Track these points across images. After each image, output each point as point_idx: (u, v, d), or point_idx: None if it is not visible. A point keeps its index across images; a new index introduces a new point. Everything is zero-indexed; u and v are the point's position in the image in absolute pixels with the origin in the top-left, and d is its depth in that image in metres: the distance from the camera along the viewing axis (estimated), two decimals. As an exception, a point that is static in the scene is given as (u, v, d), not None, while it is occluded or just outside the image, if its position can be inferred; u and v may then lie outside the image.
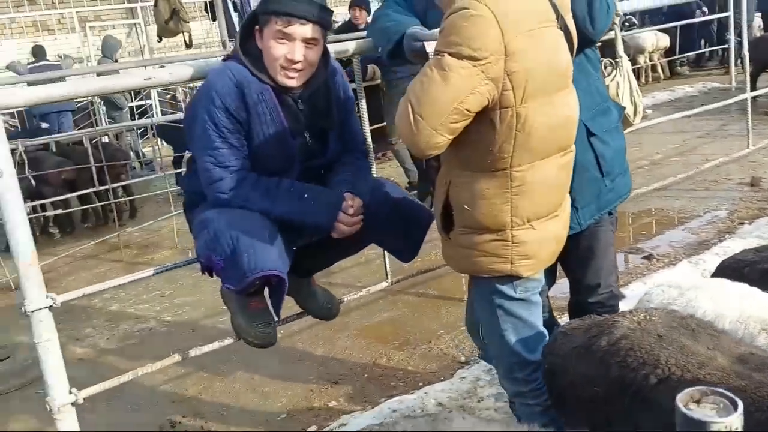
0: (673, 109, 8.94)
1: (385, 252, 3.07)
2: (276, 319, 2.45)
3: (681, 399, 0.83)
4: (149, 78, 2.35)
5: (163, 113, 11.04)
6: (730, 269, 2.36)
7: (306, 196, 2.24)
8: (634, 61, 12.05)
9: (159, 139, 9.30)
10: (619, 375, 1.63)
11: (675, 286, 2.00)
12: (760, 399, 1.39)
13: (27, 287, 2.24)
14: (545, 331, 2.14)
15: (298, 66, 2.17)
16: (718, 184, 5.88)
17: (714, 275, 2.38)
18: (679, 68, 12.58)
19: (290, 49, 2.15)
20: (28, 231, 2.23)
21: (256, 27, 2.23)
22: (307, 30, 2.15)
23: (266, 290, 2.47)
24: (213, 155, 2.19)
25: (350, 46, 2.73)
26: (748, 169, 5.99)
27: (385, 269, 3.12)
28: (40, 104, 2.27)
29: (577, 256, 2.46)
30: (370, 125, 3.10)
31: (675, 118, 5.67)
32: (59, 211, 6.98)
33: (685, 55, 12.45)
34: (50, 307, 2.29)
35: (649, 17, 12.79)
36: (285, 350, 4.01)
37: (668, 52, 12.12)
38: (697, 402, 0.82)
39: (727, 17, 10.32)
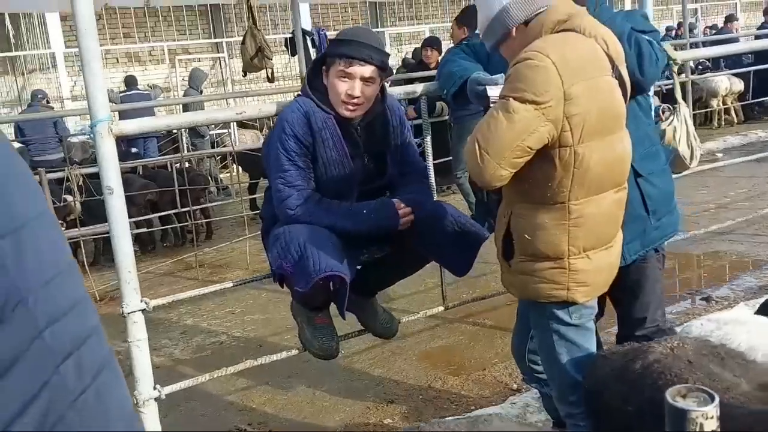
0: (744, 154, 8.86)
1: (443, 278, 3.29)
2: (343, 318, 2.68)
3: (669, 393, 1.01)
4: (241, 113, 2.68)
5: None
6: None
7: (364, 211, 2.56)
8: (707, 105, 11.92)
9: (236, 165, 9.83)
10: (650, 396, 1.77)
11: (714, 320, 2.13)
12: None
13: (126, 292, 2.56)
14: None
15: (357, 101, 2.51)
16: (784, 230, 5.83)
17: (758, 312, 2.48)
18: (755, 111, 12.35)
19: (351, 86, 2.48)
20: (130, 242, 2.56)
21: (323, 67, 2.58)
22: (365, 70, 2.48)
23: (331, 306, 2.74)
24: (283, 176, 2.51)
25: (418, 88, 3.01)
26: (817, 216, 5.92)
27: (443, 294, 3.31)
28: (151, 132, 2.61)
29: (625, 291, 2.61)
30: (437, 159, 3.34)
31: (741, 162, 5.67)
32: (143, 230, 7.48)
33: (761, 99, 12.23)
34: (143, 310, 2.60)
35: (725, 61, 12.64)
36: (344, 370, 4.24)
37: (742, 96, 11.92)
38: (684, 396, 1.00)
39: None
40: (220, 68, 14.35)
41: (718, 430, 0.97)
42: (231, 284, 3.09)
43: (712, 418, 0.96)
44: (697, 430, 0.96)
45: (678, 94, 3.67)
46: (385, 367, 4.22)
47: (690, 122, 3.63)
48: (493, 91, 2.46)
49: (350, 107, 2.53)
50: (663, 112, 3.74)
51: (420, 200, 2.68)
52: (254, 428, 3.69)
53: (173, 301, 5.91)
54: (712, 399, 0.97)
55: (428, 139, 3.19)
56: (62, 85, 12.61)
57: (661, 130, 3.55)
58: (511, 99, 2.00)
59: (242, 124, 11.10)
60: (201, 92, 10.57)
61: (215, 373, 2.86)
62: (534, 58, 1.99)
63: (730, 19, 14.50)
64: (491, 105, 2.46)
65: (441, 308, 3.32)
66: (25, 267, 0.63)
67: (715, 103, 11.86)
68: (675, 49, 3.78)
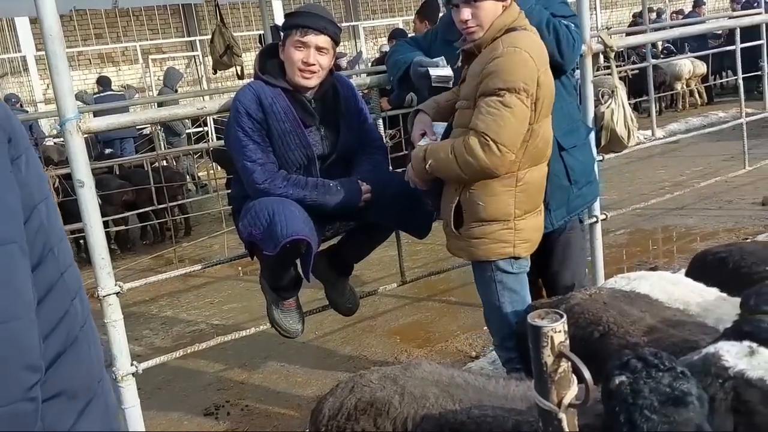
0: (703, 135, 9.17)
1: (401, 255, 3.54)
2: (307, 281, 2.85)
3: (530, 316, 1.25)
4: (202, 108, 2.89)
5: (219, 139, 11.77)
6: (700, 258, 2.78)
7: (331, 184, 2.75)
8: (671, 88, 12.25)
9: (213, 163, 10.00)
10: (572, 334, 2.03)
11: (625, 277, 2.41)
12: (671, 345, 1.79)
13: (101, 276, 2.76)
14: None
15: (313, 68, 2.68)
16: (732, 204, 6.15)
17: (690, 264, 2.78)
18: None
19: (306, 54, 2.67)
20: (102, 232, 2.76)
21: (280, 44, 2.76)
22: (320, 40, 2.68)
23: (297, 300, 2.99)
24: (244, 153, 2.68)
25: (368, 80, 3.24)
26: (764, 190, 6.25)
27: (401, 270, 3.55)
28: (117, 129, 2.82)
29: (555, 259, 2.91)
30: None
31: (698, 142, 5.94)
32: (121, 228, 7.65)
33: (723, 80, 12.59)
34: (118, 293, 2.81)
35: (689, 44, 12.94)
36: (317, 348, 4.49)
37: (705, 78, 12.25)
38: (542, 318, 1.25)
39: (761, 45, 10.52)
40: (195, 66, 14.46)
41: (566, 342, 1.22)
42: (200, 267, 3.30)
43: (560, 332, 1.21)
44: (549, 341, 1.21)
45: (615, 79, 3.92)
46: (356, 344, 4.47)
47: (627, 105, 3.90)
48: (435, 72, 2.74)
49: (306, 75, 2.65)
50: (602, 96, 4.01)
51: (379, 175, 2.89)
52: (231, 404, 3.92)
53: (154, 296, 6.10)
54: (561, 317, 1.21)
55: (380, 121, 3.43)
56: (34, 88, 12.65)
57: (600, 112, 3.83)
58: (505, 94, 2.30)
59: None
60: (176, 91, 10.71)
61: (188, 349, 3.07)
62: (515, 53, 2.32)
63: (697, 3, 14.87)
64: (434, 84, 2.74)
65: (396, 284, 3.56)
66: (53, 226, 0.98)
67: (679, 86, 12.19)
68: (611, 37, 4.03)
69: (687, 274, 2.82)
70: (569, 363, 1.22)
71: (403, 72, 2.92)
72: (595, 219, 3.75)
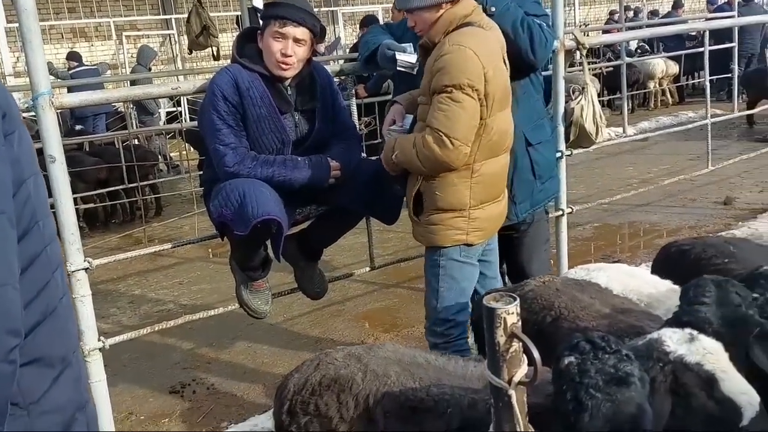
0: (671, 134, 9.37)
1: (371, 241, 3.60)
2: (278, 261, 2.90)
3: (485, 299, 1.32)
4: (176, 88, 2.90)
5: (192, 119, 11.67)
6: (665, 250, 2.90)
7: (299, 159, 2.78)
8: (644, 86, 12.47)
9: (186, 143, 9.92)
10: (525, 317, 2.11)
11: (584, 268, 2.51)
12: (618, 330, 1.88)
13: (70, 252, 2.77)
14: (468, 301, 2.66)
15: (291, 60, 2.71)
16: (696, 202, 6.34)
17: (656, 255, 2.90)
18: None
19: (284, 45, 2.69)
20: (72, 208, 2.77)
21: (259, 32, 2.78)
22: (298, 31, 2.70)
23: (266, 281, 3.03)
24: (217, 136, 2.70)
25: (340, 66, 3.28)
26: (726, 189, 6.45)
27: (370, 256, 3.62)
28: (90, 106, 2.82)
29: (521, 250, 3.01)
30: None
31: (667, 141, 6.08)
32: (90, 205, 7.58)
33: (694, 81, 12.84)
34: (86, 269, 2.83)
35: (665, 44, 13.15)
36: (285, 331, 4.54)
37: (677, 78, 12.49)
38: (497, 300, 1.32)
39: (732, 48, 10.76)
40: (170, 45, 14.27)
41: (518, 323, 1.29)
42: (170, 246, 3.33)
43: (512, 313, 1.28)
44: (502, 322, 1.28)
45: (587, 76, 4.02)
46: (324, 327, 4.53)
47: (596, 102, 4.00)
48: (401, 56, 2.82)
49: (283, 66, 2.72)
50: (573, 92, 4.10)
51: (349, 157, 2.92)
52: (197, 383, 3.96)
53: (123, 275, 6.06)
54: (514, 300, 1.28)
55: (354, 117, 3.48)
56: (4, 61, 12.38)
57: (570, 108, 3.92)
58: (453, 90, 2.39)
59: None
60: (150, 69, 10.57)
61: (156, 326, 3.10)
62: (459, 50, 2.40)
63: (677, 4, 15.15)
64: (398, 68, 2.81)
65: (368, 268, 3.62)
66: (39, 200, 1.03)
67: (652, 85, 12.41)
68: (584, 35, 4.12)
69: (653, 265, 2.95)
70: (520, 343, 1.29)
71: (371, 53, 3.02)
72: (561, 212, 3.86)
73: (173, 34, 14.12)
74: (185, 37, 10.92)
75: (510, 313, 1.28)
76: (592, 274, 2.37)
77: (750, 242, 2.80)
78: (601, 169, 7.87)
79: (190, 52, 8.99)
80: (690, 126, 5.66)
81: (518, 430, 1.32)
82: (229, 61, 2.88)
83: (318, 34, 2.83)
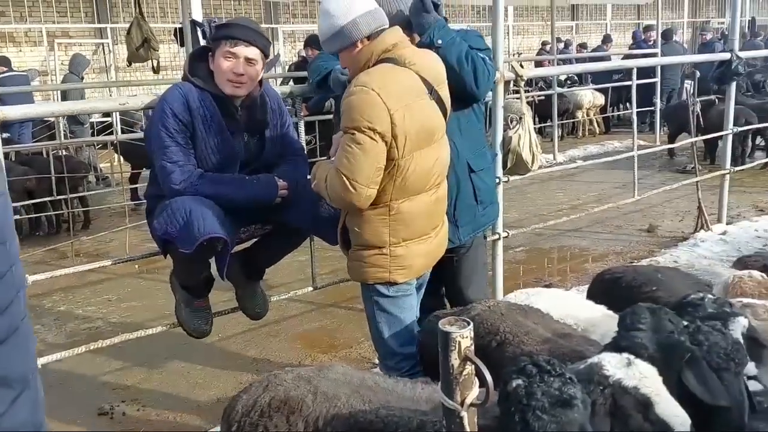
0: (601, 162, 9.82)
1: (313, 261, 3.61)
2: (222, 279, 2.90)
3: (441, 323, 1.37)
4: (124, 103, 2.86)
5: (125, 131, 11.37)
6: (599, 277, 3.06)
7: (246, 178, 2.80)
8: (573, 116, 13.02)
9: (119, 155, 9.65)
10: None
11: (524, 292, 2.61)
12: (560, 355, 1.97)
13: None
14: (414, 330, 2.69)
15: (242, 79, 2.73)
16: (621, 229, 6.65)
17: (591, 281, 3.05)
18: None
19: (235, 64, 2.72)
20: None
21: (210, 53, 2.79)
22: (249, 51, 2.73)
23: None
24: (165, 153, 2.68)
25: (290, 89, 3.32)
26: (650, 217, 6.81)
27: (312, 275, 3.63)
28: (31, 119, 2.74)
29: (461, 273, 3.09)
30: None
31: (594, 169, 6.34)
32: (15, 217, 7.25)
33: (621, 112, 13.49)
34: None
35: (592, 76, 13.77)
36: (221, 350, 4.46)
37: (603, 109, 13.10)
38: (452, 324, 1.37)
39: (655, 83, 11.43)
40: (104, 55, 13.89)
41: (472, 347, 1.34)
42: (110, 262, 3.25)
43: (466, 337, 1.33)
44: (456, 346, 1.33)
45: (524, 106, 4.18)
46: (260, 348, 4.48)
47: (533, 131, 4.17)
48: None
49: (236, 85, 2.74)
50: (511, 121, 4.26)
51: (296, 176, 2.95)
52: (127, 404, 3.84)
53: (48, 290, 5.81)
54: (469, 324, 1.34)
55: (302, 135, 3.51)
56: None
57: (508, 137, 4.07)
58: (355, 132, 2.37)
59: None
60: (82, 78, 10.26)
61: (90, 345, 3.01)
62: (362, 92, 2.37)
63: (606, 39, 15.89)
64: None
65: (310, 288, 3.63)
66: (6, 221, 1.02)
67: (580, 114, 12.97)
68: (522, 67, 4.29)
69: (588, 290, 3.10)
70: (473, 366, 1.35)
71: (322, 77, 3.11)
72: (497, 236, 3.98)
73: (107, 44, 13.76)
74: (120, 46, 10.67)
75: (464, 337, 1.34)
76: (531, 298, 2.47)
77: (677, 270, 2.98)
78: (533, 194, 8.15)
79: (129, 64, 8.76)
80: (618, 157, 5.94)
81: (468, 451, 1.37)
82: (167, 73, 2.87)
83: (268, 54, 2.87)
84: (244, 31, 2.73)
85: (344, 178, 2.38)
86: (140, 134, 6.85)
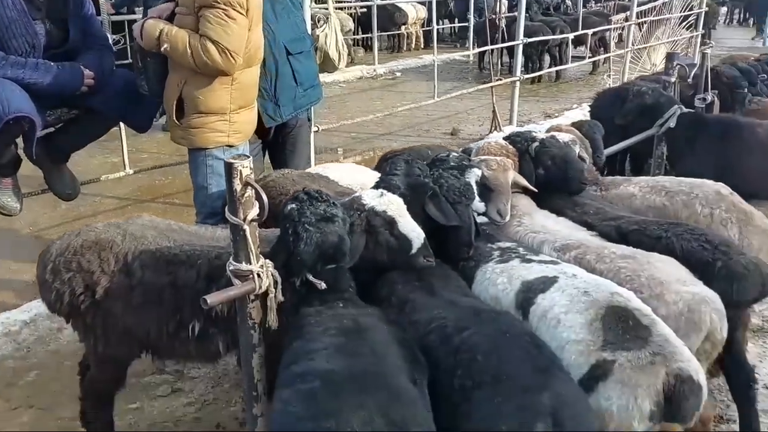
0: (418, 73, 10.44)
1: (123, 148, 3.74)
2: (31, 159, 3.02)
3: (226, 159, 1.69)
4: None
5: None
6: (383, 157, 3.52)
7: (52, 65, 2.87)
8: (398, 28, 13.59)
9: None
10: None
11: (322, 166, 3.02)
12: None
13: None
14: None
15: None
16: (429, 132, 7.33)
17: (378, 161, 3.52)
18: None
19: None
20: None
21: None
22: None
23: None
24: None
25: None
26: (454, 122, 7.54)
27: (123, 162, 3.75)
28: None
29: (286, 149, 3.44)
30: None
31: (407, 79, 6.81)
32: None
33: (442, 26, 14.24)
34: None
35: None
36: (34, 239, 4.44)
37: (426, 23, 13.76)
38: (235, 159, 1.70)
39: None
40: None
41: (252, 175, 1.67)
42: None
43: (246, 167, 1.66)
44: (239, 174, 1.65)
45: (331, 7, 4.52)
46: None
47: (339, 32, 4.53)
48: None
49: None
50: (318, 21, 4.57)
51: (102, 66, 3.05)
52: None
53: None
54: (248, 157, 1.67)
55: (106, 21, 3.53)
56: None
57: (315, 35, 4.38)
58: (228, 8, 2.64)
59: None
60: None
61: None
62: None
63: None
64: None
65: (123, 173, 3.76)
66: None
67: (403, 28, 13.51)
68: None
69: (375, 167, 3.55)
70: (254, 191, 1.69)
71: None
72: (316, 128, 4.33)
73: None
74: None
75: (245, 167, 1.66)
76: (327, 170, 2.88)
77: (442, 147, 3.56)
78: (351, 103, 8.57)
79: None
80: (429, 65, 6.48)
81: (251, 259, 1.73)
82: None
83: None
84: None
85: (222, 47, 2.63)
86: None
